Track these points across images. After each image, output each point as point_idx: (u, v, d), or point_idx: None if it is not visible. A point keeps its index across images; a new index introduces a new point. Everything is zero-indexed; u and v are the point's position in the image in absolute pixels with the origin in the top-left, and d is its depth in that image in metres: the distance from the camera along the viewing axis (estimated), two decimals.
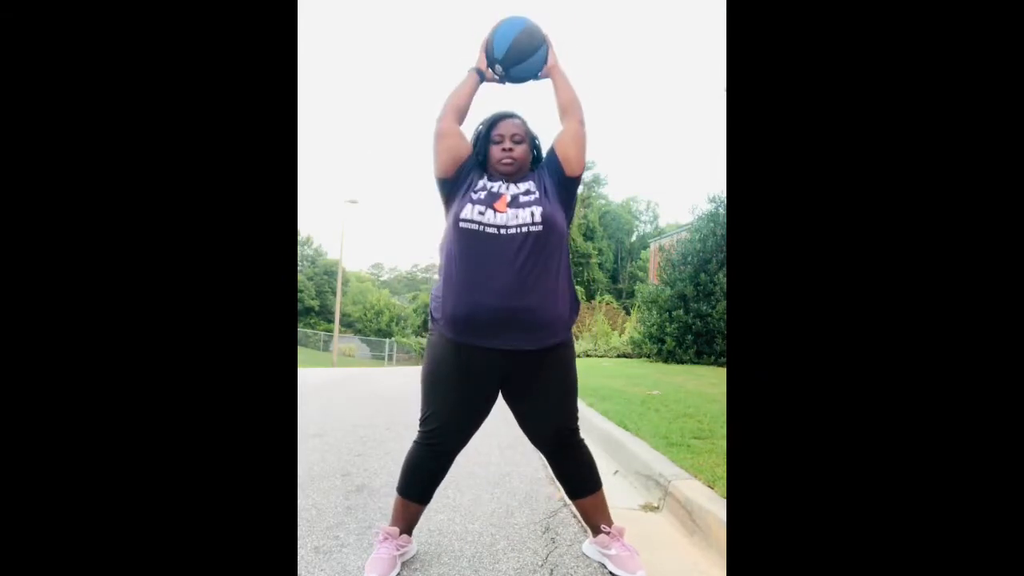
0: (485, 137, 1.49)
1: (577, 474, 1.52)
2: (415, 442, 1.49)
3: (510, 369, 1.41)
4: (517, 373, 1.41)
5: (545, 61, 1.49)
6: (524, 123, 1.50)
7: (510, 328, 1.34)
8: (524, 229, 1.35)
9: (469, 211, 1.36)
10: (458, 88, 1.49)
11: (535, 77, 1.52)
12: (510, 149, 1.45)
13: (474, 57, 1.52)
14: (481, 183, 1.43)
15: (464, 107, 1.48)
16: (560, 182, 1.45)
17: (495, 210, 1.37)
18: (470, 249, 1.36)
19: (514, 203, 1.38)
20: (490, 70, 1.50)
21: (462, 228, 1.37)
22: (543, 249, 1.36)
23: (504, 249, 1.34)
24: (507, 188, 1.43)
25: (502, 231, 1.35)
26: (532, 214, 1.36)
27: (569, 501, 1.97)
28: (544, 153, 1.53)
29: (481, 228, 1.36)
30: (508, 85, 1.53)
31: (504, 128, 1.47)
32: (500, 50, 1.46)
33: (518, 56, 1.46)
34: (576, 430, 1.50)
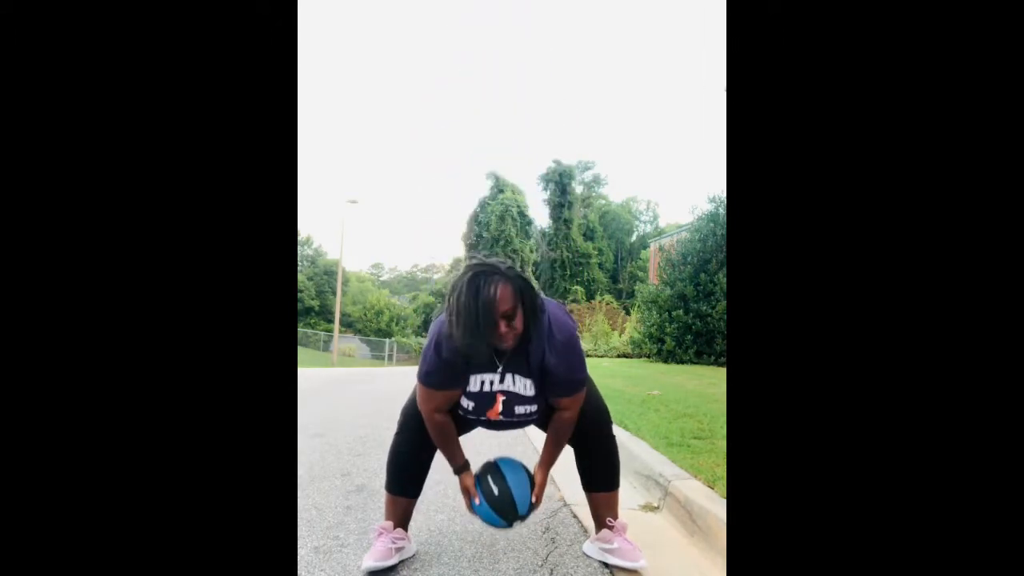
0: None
1: (600, 467, 1.53)
2: (395, 433, 1.53)
3: None
4: None
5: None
6: (511, 286, 1.22)
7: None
8: (516, 421, 1.43)
9: (463, 401, 1.40)
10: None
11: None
12: (505, 329, 1.23)
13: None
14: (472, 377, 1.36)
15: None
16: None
17: (488, 417, 1.41)
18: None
19: (507, 411, 1.39)
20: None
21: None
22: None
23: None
24: (501, 383, 1.36)
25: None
26: (528, 411, 1.40)
27: (570, 501, 1.98)
28: (541, 293, 1.35)
29: (476, 418, 1.43)
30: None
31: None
32: (523, 507, 1.43)
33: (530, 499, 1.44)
34: (595, 396, 1.53)
